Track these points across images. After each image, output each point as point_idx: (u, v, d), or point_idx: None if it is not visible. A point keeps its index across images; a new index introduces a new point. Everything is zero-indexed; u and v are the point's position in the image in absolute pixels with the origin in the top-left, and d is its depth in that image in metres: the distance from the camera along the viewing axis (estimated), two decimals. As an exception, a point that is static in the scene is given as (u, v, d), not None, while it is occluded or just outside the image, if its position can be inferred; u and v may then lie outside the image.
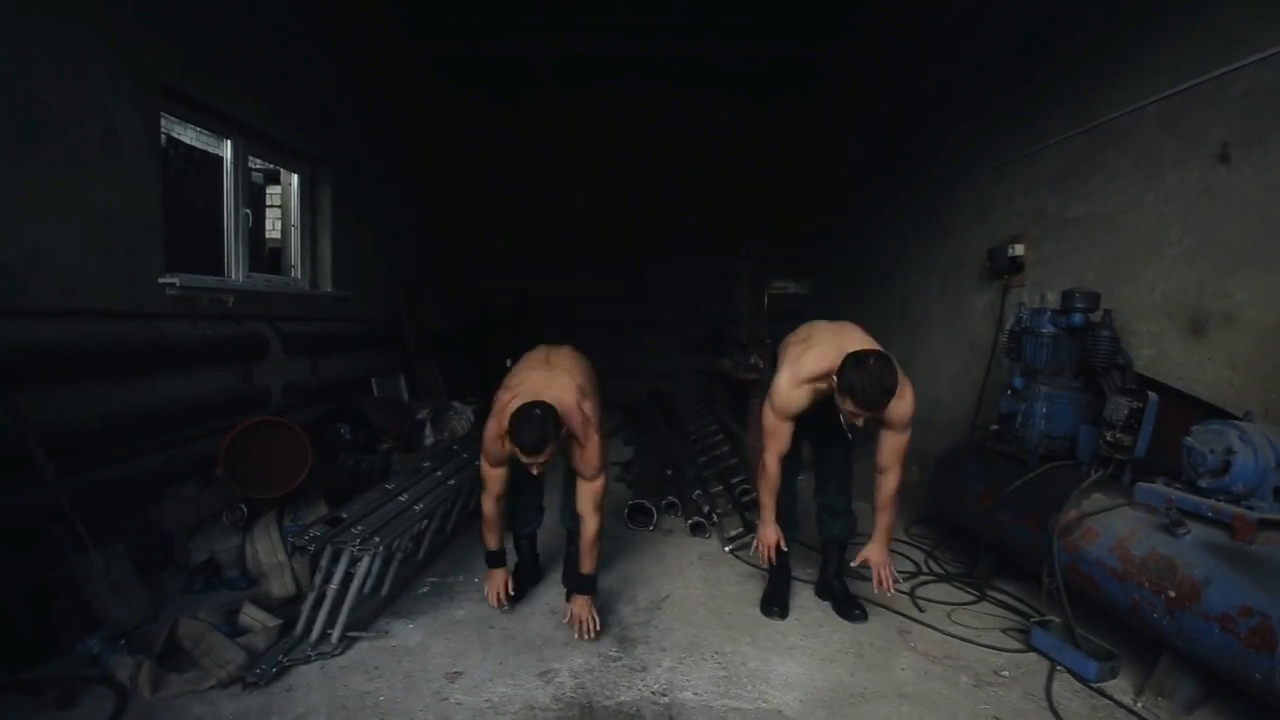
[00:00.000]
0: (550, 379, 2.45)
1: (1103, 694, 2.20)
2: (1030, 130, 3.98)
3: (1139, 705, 2.14)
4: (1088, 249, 3.56)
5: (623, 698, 2.07)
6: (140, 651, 2.20)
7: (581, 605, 2.47)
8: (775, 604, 2.68)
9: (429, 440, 4.77)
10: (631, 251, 8.18)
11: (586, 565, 2.49)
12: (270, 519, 2.83)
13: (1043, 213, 3.92)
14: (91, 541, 2.56)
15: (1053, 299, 3.45)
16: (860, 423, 2.26)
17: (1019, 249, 3.99)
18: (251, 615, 2.39)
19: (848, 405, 2.20)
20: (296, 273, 5.25)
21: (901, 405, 2.36)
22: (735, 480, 4.12)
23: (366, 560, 2.29)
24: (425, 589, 2.85)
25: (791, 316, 5.63)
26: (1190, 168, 2.99)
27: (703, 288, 8.07)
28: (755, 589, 2.87)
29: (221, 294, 4.00)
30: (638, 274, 8.20)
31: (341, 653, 2.28)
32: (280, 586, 2.69)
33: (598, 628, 2.44)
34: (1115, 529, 2.36)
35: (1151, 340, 3.11)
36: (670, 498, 3.95)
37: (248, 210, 4.47)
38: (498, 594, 2.57)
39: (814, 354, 2.42)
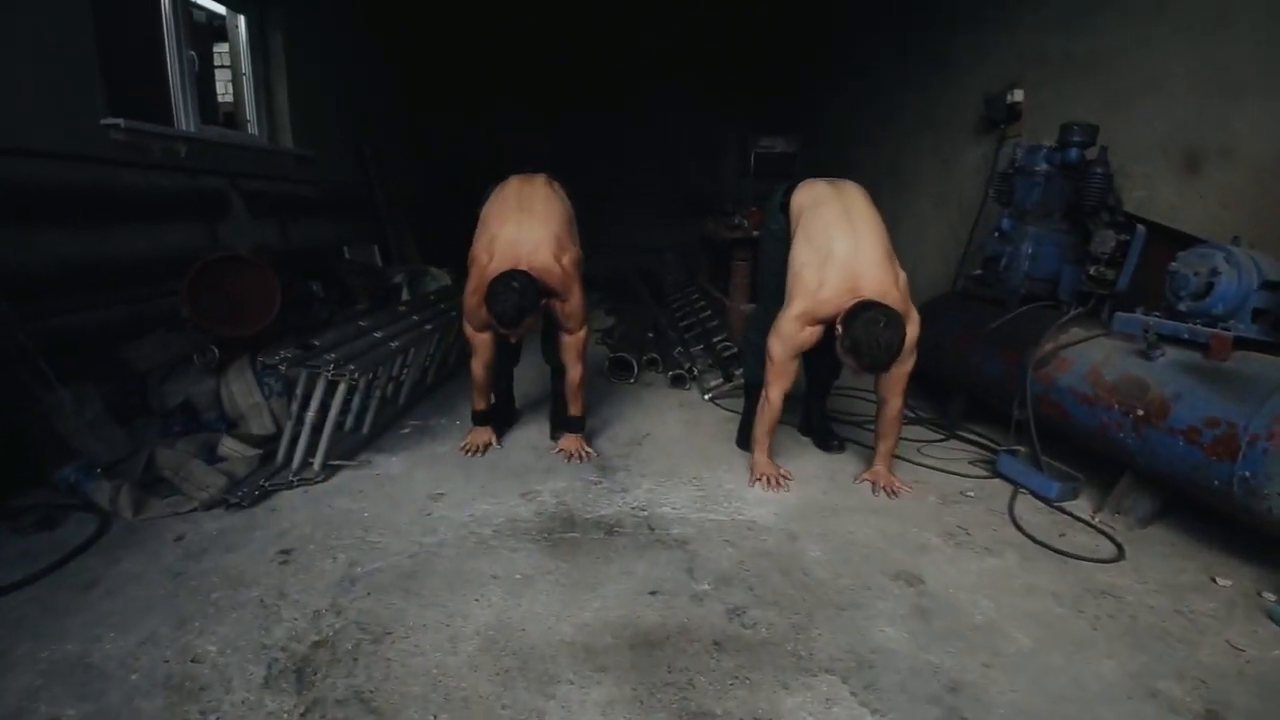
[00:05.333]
0: (523, 231, 2.34)
1: (1063, 511, 2.30)
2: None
3: (1096, 520, 2.24)
4: (1088, 91, 3.40)
5: (603, 512, 2.13)
6: (120, 479, 2.19)
7: (572, 440, 2.58)
8: (753, 438, 2.76)
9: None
10: (613, 114, 7.70)
11: (574, 408, 2.58)
12: (244, 362, 2.76)
13: (1044, 54, 3.70)
14: (59, 381, 2.52)
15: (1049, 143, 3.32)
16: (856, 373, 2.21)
17: (1018, 95, 3.80)
18: (230, 446, 2.39)
19: (848, 360, 2.12)
20: (253, 127, 4.91)
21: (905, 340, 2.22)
22: (717, 340, 4.12)
23: (343, 388, 2.26)
24: (407, 430, 2.86)
25: (778, 177, 5.44)
26: (1207, -10, 2.79)
27: (688, 155, 7.70)
28: (734, 430, 2.90)
29: (172, 143, 3.74)
30: (620, 139, 7.77)
31: (324, 479, 2.29)
32: (260, 425, 2.67)
33: (590, 456, 2.55)
34: (1090, 357, 2.38)
35: (1144, 181, 3.03)
36: (651, 354, 3.94)
37: (193, 53, 4.11)
38: (476, 448, 2.58)
39: (830, 291, 2.19)
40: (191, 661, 1.44)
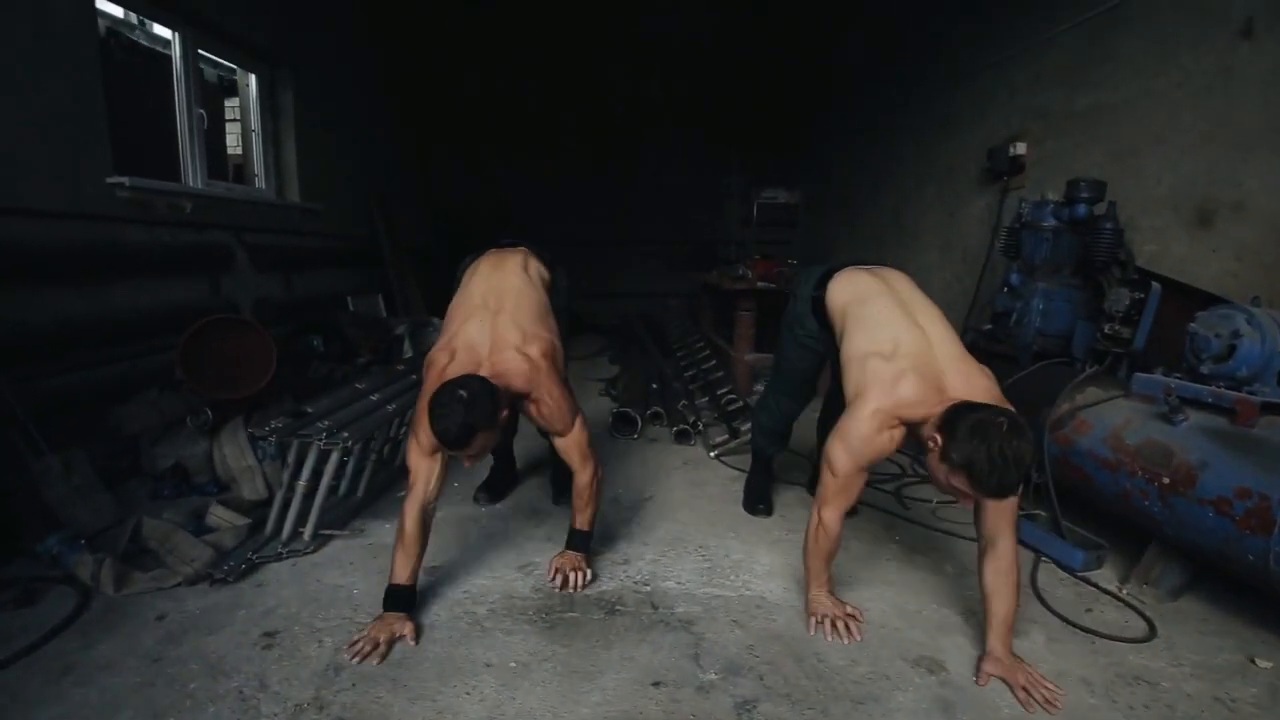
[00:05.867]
0: (488, 330, 1.95)
1: (1088, 582, 2.19)
2: (1040, 19, 3.74)
3: (1124, 592, 2.13)
4: (1091, 144, 3.40)
5: (604, 587, 2.03)
6: (103, 551, 2.12)
7: (570, 558, 2.03)
8: (760, 501, 2.64)
9: (408, 355, 4.63)
10: (617, 165, 7.82)
11: (580, 519, 2.06)
12: (237, 423, 2.71)
13: (1047, 108, 3.73)
14: (49, 446, 2.47)
15: (1054, 196, 3.31)
16: (967, 503, 1.66)
17: (1020, 148, 3.82)
18: (219, 515, 2.31)
19: (956, 485, 1.54)
20: (260, 182, 4.97)
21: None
22: (721, 392, 4.05)
23: (336, 455, 2.19)
24: (403, 493, 2.76)
25: (781, 226, 5.47)
26: (1208, 47, 2.80)
27: (691, 203, 7.78)
28: (740, 491, 2.81)
29: (177, 199, 3.77)
30: (624, 189, 7.88)
31: (314, 550, 2.21)
32: (252, 490, 2.61)
33: (586, 580, 2.00)
34: (1109, 420, 2.30)
35: (1154, 235, 2.99)
36: (655, 408, 3.87)
37: (202, 111, 4.17)
38: (375, 644, 1.68)
39: (910, 389, 1.70)
40: (161, 765, 1.35)
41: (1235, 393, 2.02)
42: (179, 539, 2.14)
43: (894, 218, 5.39)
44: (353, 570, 2.11)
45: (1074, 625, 1.93)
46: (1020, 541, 2.42)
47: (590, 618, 1.87)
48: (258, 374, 2.72)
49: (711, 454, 3.33)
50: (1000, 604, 1.71)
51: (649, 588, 2.04)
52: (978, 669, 1.68)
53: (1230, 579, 2.05)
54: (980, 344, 3.20)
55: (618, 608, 1.92)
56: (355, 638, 1.72)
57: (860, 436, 1.73)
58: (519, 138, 7.88)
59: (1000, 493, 1.51)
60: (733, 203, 6.46)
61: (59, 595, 1.98)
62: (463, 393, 1.67)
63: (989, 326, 3.16)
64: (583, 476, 2.03)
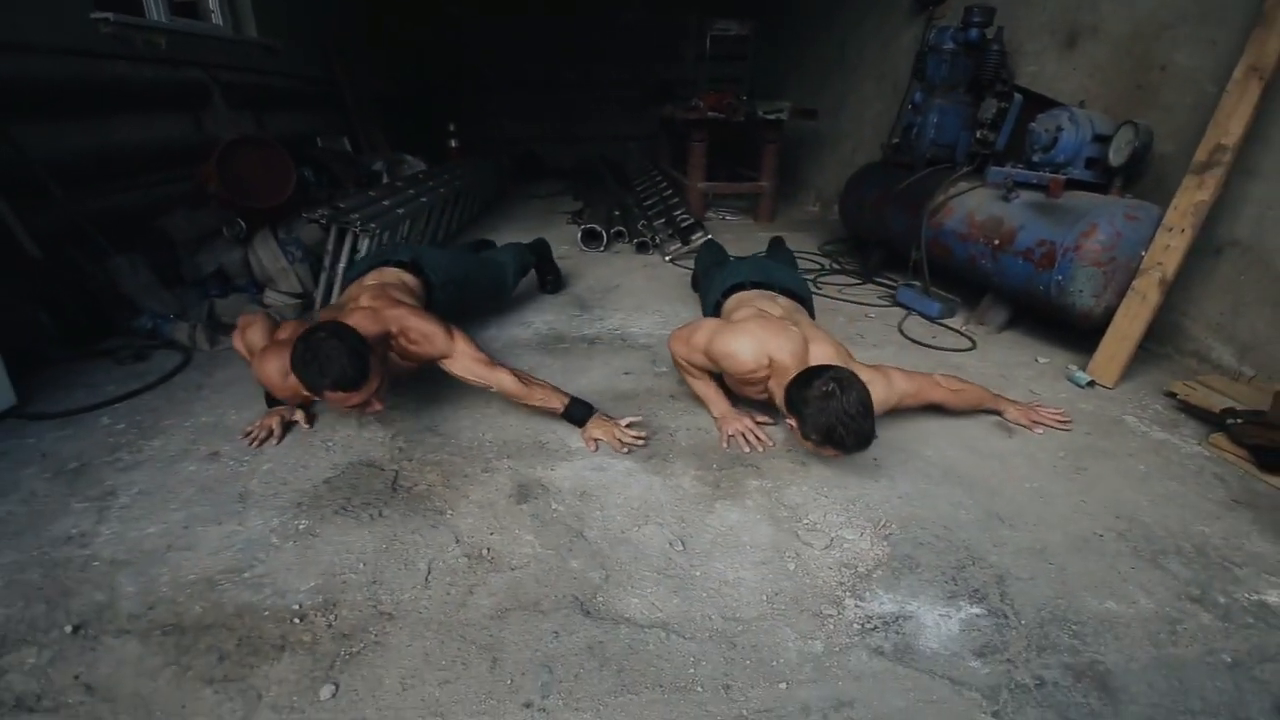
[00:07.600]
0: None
1: (939, 324, 2.98)
2: None
3: (964, 328, 2.92)
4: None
5: (585, 332, 2.75)
6: (192, 319, 2.70)
7: (600, 429, 1.90)
8: (705, 283, 3.32)
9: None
10: (579, 11, 7.78)
11: (549, 403, 1.92)
12: (266, 232, 3.20)
13: (968, -63, 4.06)
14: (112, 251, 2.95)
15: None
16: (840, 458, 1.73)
17: (944, -24, 4.19)
18: (274, 297, 2.89)
19: (829, 452, 1.64)
20: (217, 18, 5.02)
21: (890, 390, 1.85)
22: (677, 213, 4.62)
23: (368, 242, 2.75)
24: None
25: (733, 61, 5.75)
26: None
27: (651, 46, 7.88)
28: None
29: (152, 34, 3.95)
30: (583, 31, 7.89)
31: (357, 319, 2.83)
32: (289, 286, 3.16)
33: (634, 429, 1.91)
34: (967, 204, 2.99)
35: (1035, 58, 3.54)
36: (619, 227, 4.44)
37: (152, -60, 4.20)
38: (270, 430, 1.92)
39: (793, 338, 1.81)
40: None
41: (1053, 175, 2.70)
42: (249, 310, 2.72)
43: (839, 52, 5.74)
44: (392, 329, 2.75)
45: (918, 343, 2.72)
46: (898, 303, 3.20)
47: (577, 347, 2.58)
48: (277, 188, 3.16)
49: (666, 259, 3.97)
50: (973, 397, 2.10)
51: (619, 332, 2.75)
52: (1013, 423, 2.08)
53: (1035, 315, 2.84)
54: (889, 157, 3.80)
55: (597, 341, 2.64)
56: (249, 428, 1.95)
57: (705, 337, 1.90)
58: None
59: (862, 445, 1.59)
60: (689, 40, 6.59)
61: (165, 355, 2.58)
62: (321, 334, 1.57)
63: (895, 141, 3.74)
64: (504, 381, 1.88)
